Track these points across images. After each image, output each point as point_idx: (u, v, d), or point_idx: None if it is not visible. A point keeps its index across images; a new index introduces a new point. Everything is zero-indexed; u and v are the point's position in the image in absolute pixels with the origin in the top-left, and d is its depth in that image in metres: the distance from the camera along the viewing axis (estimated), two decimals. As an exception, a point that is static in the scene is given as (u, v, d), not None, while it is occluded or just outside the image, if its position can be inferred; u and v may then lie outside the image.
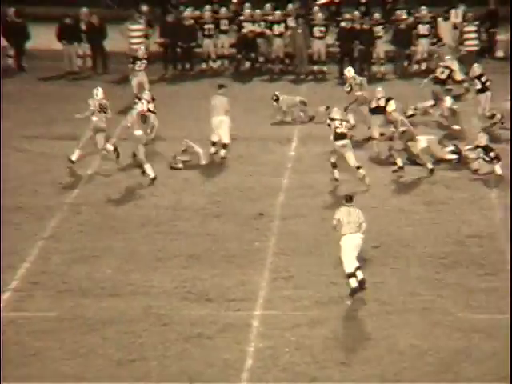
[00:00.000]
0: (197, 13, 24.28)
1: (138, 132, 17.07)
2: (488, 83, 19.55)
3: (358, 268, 13.16)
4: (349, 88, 19.38)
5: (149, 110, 18.27)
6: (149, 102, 18.42)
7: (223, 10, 24.34)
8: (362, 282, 13.16)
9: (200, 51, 24.21)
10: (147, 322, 12.64)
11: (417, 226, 15.48)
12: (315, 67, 23.87)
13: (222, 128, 18.00)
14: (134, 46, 23.73)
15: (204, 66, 24.24)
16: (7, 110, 20.51)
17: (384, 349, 12.14)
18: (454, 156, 17.84)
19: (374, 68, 23.73)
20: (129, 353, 12.00)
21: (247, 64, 24.09)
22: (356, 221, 13.14)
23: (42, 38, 24.04)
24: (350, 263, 13.11)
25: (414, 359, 11.93)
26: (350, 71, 19.82)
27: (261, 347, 12.16)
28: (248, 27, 23.84)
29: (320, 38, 23.81)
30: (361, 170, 16.88)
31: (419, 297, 13.30)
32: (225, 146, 18.12)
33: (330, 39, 24.14)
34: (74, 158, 17.50)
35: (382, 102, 18.69)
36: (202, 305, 13.06)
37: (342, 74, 23.33)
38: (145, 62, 21.31)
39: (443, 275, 13.88)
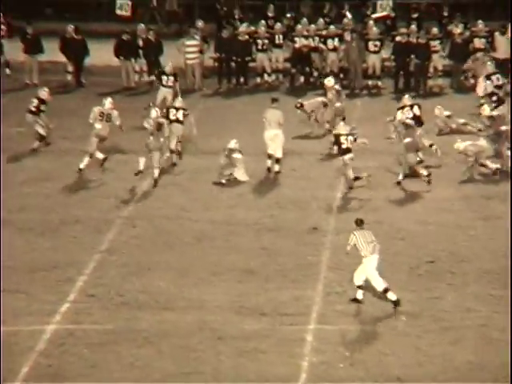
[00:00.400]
0: (252, 28, 24.46)
1: (149, 139, 17.55)
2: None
3: (360, 287, 13.32)
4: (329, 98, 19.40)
5: (172, 120, 18.58)
6: (177, 109, 18.72)
7: (278, 25, 24.46)
8: (357, 300, 13.37)
9: (255, 66, 24.36)
10: (202, 335, 12.70)
11: (473, 242, 15.32)
12: (370, 82, 23.82)
13: (275, 142, 18.04)
14: (190, 62, 24.01)
15: (259, 80, 24.37)
16: (68, 125, 20.82)
17: (440, 365, 12.01)
18: (495, 166, 17.64)
19: (430, 82, 23.60)
20: (183, 366, 12.06)
21: (301, 78, 24.15)
22: (372, 241, 13.26)
23: (99, 54, 24.40)
24: (379, 280, 13.22)
25: (470, 376, 11.79)
26: (329, 81, 19.77)
27: (315, 362, 12.13)
28: (302, 42, 23.91)
29: (375, 52, 23.77)
30: (357, 182, 17.20)
31: (476, 313, 13.15)
32: (278, 160, 18.15)
33: (385, 53, 24.09)
34: (100, 156, 18.14)
35: (417, 111, 18.47)
36: (256, 319, 13.07)
37: (397, 88, 23.28)
38: (172, 78, 21.32)
39: (500, 291, 13.70)
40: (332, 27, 24.20)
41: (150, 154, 17.56)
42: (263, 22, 24.56)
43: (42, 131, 19.36)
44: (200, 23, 24.67)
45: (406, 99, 18.79)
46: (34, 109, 19.34)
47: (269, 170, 18.14)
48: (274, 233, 15.74)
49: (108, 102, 18.57)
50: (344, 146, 17.10)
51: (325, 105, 19.98)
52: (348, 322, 13.01)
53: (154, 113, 18.17)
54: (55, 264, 14.53)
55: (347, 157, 17.13)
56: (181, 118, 18.78)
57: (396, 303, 13.16)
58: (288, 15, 25.51)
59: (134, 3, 27.22)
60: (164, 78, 21.40)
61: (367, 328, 12.86)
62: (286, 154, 18.44)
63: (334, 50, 23.90)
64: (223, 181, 17.72)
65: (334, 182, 17.80)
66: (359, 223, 13.52)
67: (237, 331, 12.77)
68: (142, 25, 24.58)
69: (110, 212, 16.58)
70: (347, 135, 17.22)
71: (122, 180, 17.84)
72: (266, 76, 24.21)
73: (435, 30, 23.85)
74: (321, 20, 24.69)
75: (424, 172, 17.36)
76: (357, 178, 17.18)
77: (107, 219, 16.24)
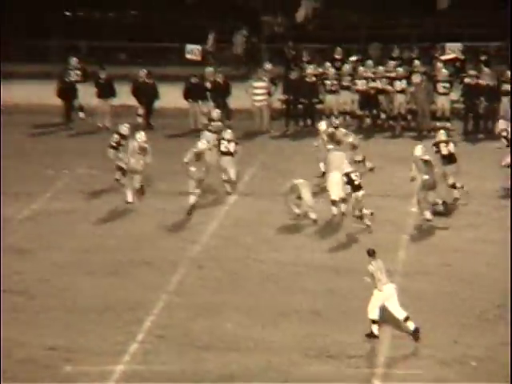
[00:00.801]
0: (319, 70, 24.63)
1: (192, 169, 18.14)
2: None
3: (407, 318, 13.39)
4: (318, 143, 19.25)
5: (223, 152, 19.09)
6: (229, 141, 19.17)
7: (345, 67, 24.59)
8: (416, 331, 13.33)
9: (322, 107, 24.47)
10: (268, 377, 12.67)
11: (543, 285, 15.06)
12: (438, 123, 23.71)
13: (339, 184, 17.98)
14: (258, 104, 24.25)
15: (326, 122, 24.43)
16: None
17: (510, 412, 11.80)
18: None
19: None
20: (250, 408, 12.07)
21: (369, 120, 24.16)
22: (386, 270, 13.42)
23: (169, 97, 24.80)
24: (376, 311, 13.34)
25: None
26: (321, 125, 19.59)
27: (382, 406, 12.02)
28: (365, 84, 23.94)
29: (444, 93, 23.69)
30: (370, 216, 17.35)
31: (547, 359, 12.88)
32: (344, 200, 18.10)
33: (454, 95, 23.98)
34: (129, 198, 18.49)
35: (451, 148, 18.24)
36: (322, 361, 13.02)
37: (466, 130, 23.11)
38: (219, 123, 21.04)
39: None
40: (400, 69, 24.22)
41: (188, 180, 18.14)
42: (328, 63, 24.72)
43: (123, 165, 19.67)
44: (268, 65, 24.96)
45: (442, 134, 18.74)
46: (114, 144, 19.80)
47: (334, 216, 18.07)
48: (341, 274, 15.70)
49: (143, 136, 18.97)
50: (357, 183, 17.20)
51: (353, 147, 19.57)
52: (416, 365, 12.85)
53: (201, 145, 18.63)
54: (124, 304, 14.72)
55: (360, 193, 17.16)
56: (231, 150, 18.99)
57: (373, 336, 13.28)
58: (353, 58, 25.61)
59: (203, 48, 27.67)
60: (212, 124, 21.32)
61: (435, 372, 12.68)
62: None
63: (402, 91, 23.90)
64: (296, 210, 17.76)
65: (401, 224, 17.70)
66: (371, 253, 13.59)
67: (303, 373, 12.72)
68: (211, 68, 24.96)
69: (177, 252, 16.75)
70: (355, 172, 17.36)
71: (187, 221, 18.01)
72: (333, 118, 24.26)
73: (508, 74, 23.64)
74: (390, 62, 24.74)
75: (428, 215, 17.34)
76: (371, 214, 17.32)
77: (174, 260, 16.41)
